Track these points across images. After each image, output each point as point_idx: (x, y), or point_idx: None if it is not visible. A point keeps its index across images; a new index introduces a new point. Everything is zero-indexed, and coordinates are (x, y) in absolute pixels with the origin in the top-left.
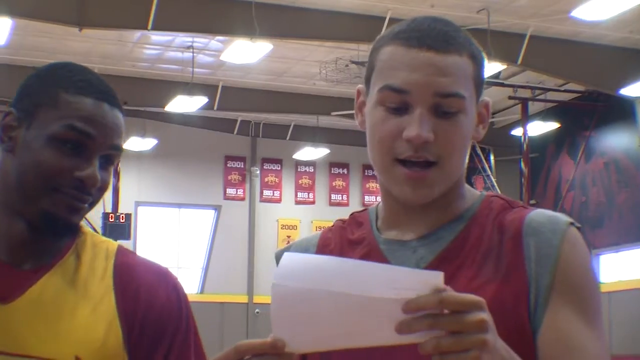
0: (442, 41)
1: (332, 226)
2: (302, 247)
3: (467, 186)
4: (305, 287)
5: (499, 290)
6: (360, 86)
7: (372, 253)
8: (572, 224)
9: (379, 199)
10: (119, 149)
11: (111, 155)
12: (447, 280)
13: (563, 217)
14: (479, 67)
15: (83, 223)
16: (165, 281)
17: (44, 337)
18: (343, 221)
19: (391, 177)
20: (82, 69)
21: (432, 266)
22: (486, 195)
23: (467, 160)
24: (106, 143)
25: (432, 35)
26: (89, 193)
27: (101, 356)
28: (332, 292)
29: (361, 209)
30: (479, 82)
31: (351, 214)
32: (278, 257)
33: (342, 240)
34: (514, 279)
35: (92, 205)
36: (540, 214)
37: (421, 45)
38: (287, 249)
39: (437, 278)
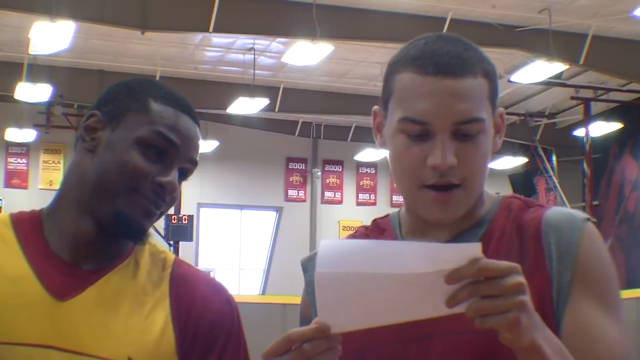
0: (457, 65)
1: (356, 232)
2: None
3: (485, 190)
4: (347, 271)
5: None
6: (376, 107)
7: None
8: (588, 219)
9: None
10: (195, 164)
11: (187, 169)
12: None
13: (579, 214)
14: (492, 82)
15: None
16: (219, 294)
17: (99, 336)
18: (366, 227)
19: (419, 201)
20: (165, 84)
21: None
22: (503, 197)
23: (487, 173)
24: (187, 155)
25: (446, 61)
26: (164, 200)
27: (154, 359)
28: (373, 273)
29: (383, 215)
30: (494, 97)
31: (373, 221)
32: (304, 266)
33: None
34: (536, 276)
35: (161, 214)
36: (557, 212)
37: (437, 72)
38: (312, 258)
39: (475, 249)
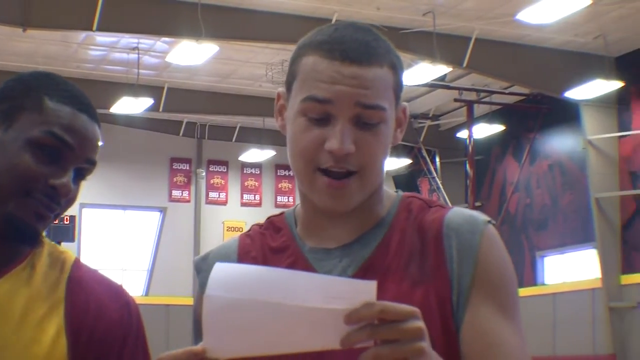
0: (364, 53)
1: (250, 231)
2: (222, 255)
3: (384, 189)
4: (239, 297)
5: (425, 292)
6: (281, 89)
7: (298, 262)
8: (489, 222)
9: None
10: (93, 163)
11: (84, 169)
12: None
13: (481, 217)
14: (398, 75)
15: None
16: (117, 298)
17: None
18: (260, 226)
19: (312, 186)
20: (65, 80)
21: (358, 275)
22: (403, 196)
23: (385, 167)
24: (83, 155)
25: (354, 48)
26: (59, 203)
27: None
28: (265, 302)
29: (278, 212)
30: (398, 90)
31: (268, 218)
32: (198, 266)
33: (264, 247)
34: (437, 279)
35: (56, 216)
36: (458, 214)
37: (344, 58)
38: (206, 257)
39: (370, 286)
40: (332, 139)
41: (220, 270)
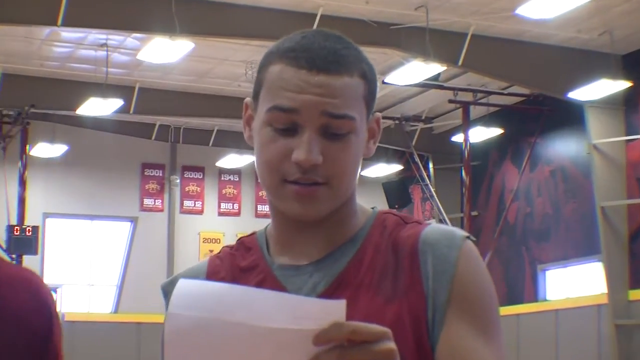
0: (333, 62)
1: (220, 253)
2: (190, 277)
3: (359, 204)
4: (203, 316)
5: (398, 309)
6: (248, 99)
7: (267, 279)
8: (467, 237)
9: None
10: None
11: None
12: (347, 304)
13: (458, 232)
14: (370, 84)
15: None
16: (36, 301)
17: None
18: (231, 247)
19: (280, 195)
20: None
21: (330, 291)
22: (379, 212)
23: (357, 179)
24: None
25: (322, 56)
26: None
27: None
28: (230, 321)
29: (249, 233)
30: (370, 100)
31: (239, 239)
32: (165, 290)
33: (233, 268)
34: (411, 297)
35: None
36: (435, 230)
37: (311, 67)
38: (173, 281)
39: (340, 306)
40: (298, 149)
41: (184, 288)
